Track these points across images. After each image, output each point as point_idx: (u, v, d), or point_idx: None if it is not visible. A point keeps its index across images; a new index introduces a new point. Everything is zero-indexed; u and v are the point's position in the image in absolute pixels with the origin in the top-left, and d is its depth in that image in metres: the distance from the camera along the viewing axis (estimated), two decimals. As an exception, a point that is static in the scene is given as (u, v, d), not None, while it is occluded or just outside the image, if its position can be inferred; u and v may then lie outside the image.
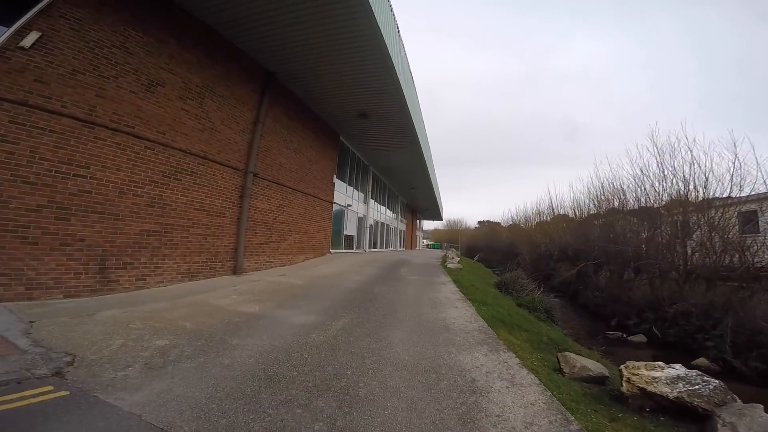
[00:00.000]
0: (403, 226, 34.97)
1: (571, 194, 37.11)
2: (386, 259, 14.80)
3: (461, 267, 12.50)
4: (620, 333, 11.08)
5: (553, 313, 12.40)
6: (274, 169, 10.25)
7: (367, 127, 14.22)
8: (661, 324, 10.23)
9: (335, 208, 15.12)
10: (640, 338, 10.42)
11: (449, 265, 12.54)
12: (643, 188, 11.94)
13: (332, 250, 14.52)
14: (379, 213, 24.40)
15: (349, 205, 16.75)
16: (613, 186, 14.16)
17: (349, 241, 17.22)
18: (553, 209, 22.56)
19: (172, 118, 7.09)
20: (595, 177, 28.62)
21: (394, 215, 29.91)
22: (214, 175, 8.09)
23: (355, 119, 13.25)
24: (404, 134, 14.73)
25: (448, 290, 8.15)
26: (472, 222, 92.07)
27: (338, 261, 12.47)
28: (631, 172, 14.63)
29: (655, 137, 11.44)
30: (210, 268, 7.92)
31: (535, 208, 27.91)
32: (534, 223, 28.22)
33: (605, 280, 14.03)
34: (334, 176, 14.64)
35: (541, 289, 13.58)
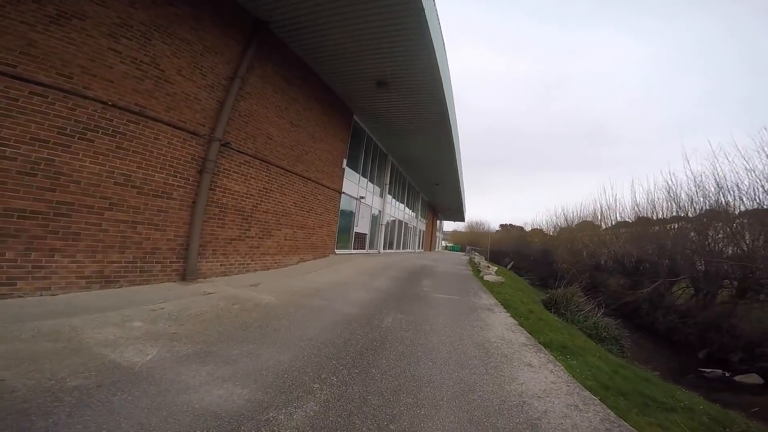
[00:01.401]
0: (422, 226, 31.99)
1: (632, 196, 32.45)
2: (404, 265, 11.98)
3: (502, 280, 9.53)
4: (720, 371, 8.02)
5: (622, 342, 9.43)
6: (258, 142, 7.63)
7: (387, 102, 11.43)
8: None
9: (344, 199, 12.40)
10: (754, 379, 7.54)
11: (486, 277, 9.60)
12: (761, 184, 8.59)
13: (338, 251, 11.81)
14: (397, 210, 21.56)
15: (362, 198, 14.00)
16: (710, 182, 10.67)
17: (360, 240, 14.48)
18: (601, 213, 19.10)
19: (90, 58, 4.77)
20: (670, 175, 24.23)
21: (413, 214, 27.00)
22: (155, 138, 5.56)
23: (373, 90, 10.50)
24: (433, 113, 11.85)
25: (501, 322, 5.25)
26: (494, 225, 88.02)
27: (343, 266, 9.74)
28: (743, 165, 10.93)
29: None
30: (141, 271, 5.35)
31: (577, 212, 24.39)
32: (573, 228, 24.70)
33: (688, 302, 10.76)
34: (345, 161, 11.92)
35: (600, 310, 10.52)
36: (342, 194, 11.94)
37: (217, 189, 6.63)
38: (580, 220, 24.97)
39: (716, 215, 9.64)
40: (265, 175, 7.88)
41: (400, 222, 22.70)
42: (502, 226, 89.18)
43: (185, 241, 6.05)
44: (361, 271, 9.21)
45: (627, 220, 16.35)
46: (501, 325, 5.04)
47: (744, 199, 8.95)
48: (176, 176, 5.88)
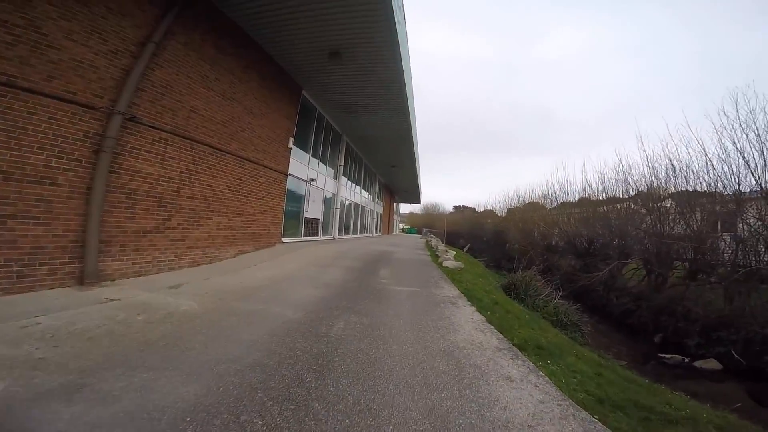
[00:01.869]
0: (380, 209, 31.33)
1: (583, 176, 33.81)
2: (360, 252, 11.17)
3: (461, 266, 9.06)
4: (679, 356, 8.21)
5: (581, 328, 9.44)
6: (179, 116, 6.31)
7: (341, 75, 10.30)
8: (744, 347, 7.37)
9: (292, 182, 11.22)
10: (713, 364, 7.67)
11: (446, 264, 9.07)
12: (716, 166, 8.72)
13: (285, 239, 10.69)
14: (353, 193, 20.59)
15: (312, 180, 12.86)
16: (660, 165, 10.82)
17: (311, 227, 13.40)
18: (553, 193, 19.54)
19: None
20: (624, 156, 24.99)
21: (370, 197, 26.16)
22: (30, 113, 4.28)
23: (325, 62, 9.35)
24: (391, 89, 10.92)
25: (468, 319, 4.63)
26: (449, 207, 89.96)
27: (290, 257, 8.71)
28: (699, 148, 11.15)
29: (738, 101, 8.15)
30: (18, 276, 4.12)
31: (529, 193, 24.94)
32: (525, 208, 25.29)
33: (640, 283, 11.07)
34: (291, 140, 10.69)
35: (558, 294, 10.52)
36: (289, 176, 10.75)
37: (123, 172, 5.32)
38: (531, 201, 25.66)
39: (649, 195, 9.91)
40: (189, 155, 6.58)
41: (357, 205, 21.79)
42: (455, 207, 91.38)
43: (80, 237, 4.76)
44: (311, 261, 8.25)
45: (578, 200, 16.78)
46: (468, 324, 4.41)
47: (699, 181, 9.14)
48: (62, 157, 4.56)
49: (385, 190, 33.97)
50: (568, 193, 17.31)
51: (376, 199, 28.75)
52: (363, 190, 23.31)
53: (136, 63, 5.39)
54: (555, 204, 19.62)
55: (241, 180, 8.15)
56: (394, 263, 9.21)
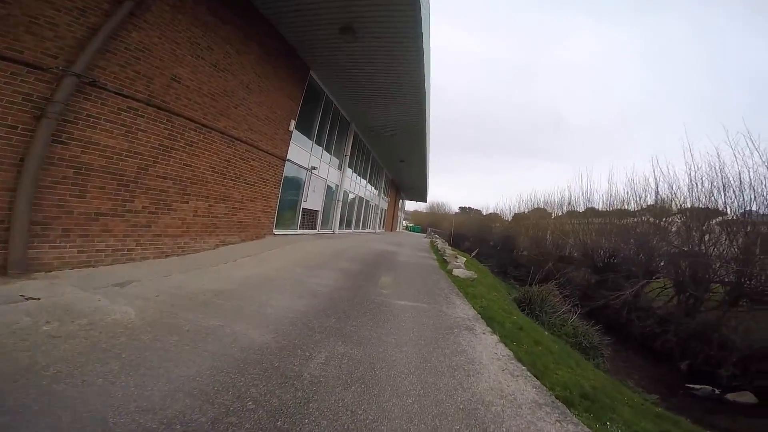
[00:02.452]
0: (385, 204, 30.28)
1: (609, 185, 32.00)
2: (360, 251, 10.13)
3: (474, 275, 7.97)
4: (709, 387, 7.17)
5: (602, 351, 8.41)
6: (155, 84, 5.31)
7: (352, 55, 9.27)
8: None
9: (290, 169, 10.20)
10: (748, 398, 6.73)
11: (455, 272, 7.99)
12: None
13: (278, 231, 9.67)
14: (358, 185, 19.53)
15: (314, 168, 11.81)
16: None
17: (310, 218, 12.38)
18: (571, 202, 18.35)
19: None
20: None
21: (376, 191, 25.09)
22: None
23: (336, 38, 8.35)
24: (408, 73, 9.85)
25: (490, 354, 3.56)
26: (454, 207, 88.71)
27: (279, 252, 7.69)
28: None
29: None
30: None
31: (542, 199, 23.73)
32: (534, 215, 24.07)
33: (667, 304, 9.93)
34: (293, 123, 9.64)
35: (575, 311, 9.46)
36: (287, 162, 9.72)
37: (73, 143, 4.31)
38: (539, 208, 24.47)
39: (693, 212, 8.70)
40: (165, 129, 5.56)
41: (361, 199, 20.74)
42: (461, 208, 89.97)
43: (6, 217, 3.76)
44: (302, 259, 7.22)
45: (600, 209, 15.58)
46: (493, 362, 3.35)
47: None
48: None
49: (391, 186, 32.90)
50: (591, 201, 16.08)
51: (382, 194, 27.69)
52: (368, 184, 22.25)
53: (106, 22, 4.42)
54: (566, 211, 18.41)
55: (228, 162, 7.13)
56: (398, 267, 8.16)
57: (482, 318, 4.78)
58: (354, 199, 19.16)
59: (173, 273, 4.81)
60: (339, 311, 4.22)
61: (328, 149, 13.40)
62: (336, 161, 14.83)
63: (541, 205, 24.67)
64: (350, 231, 18.61)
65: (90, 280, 4.06)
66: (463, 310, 5.11)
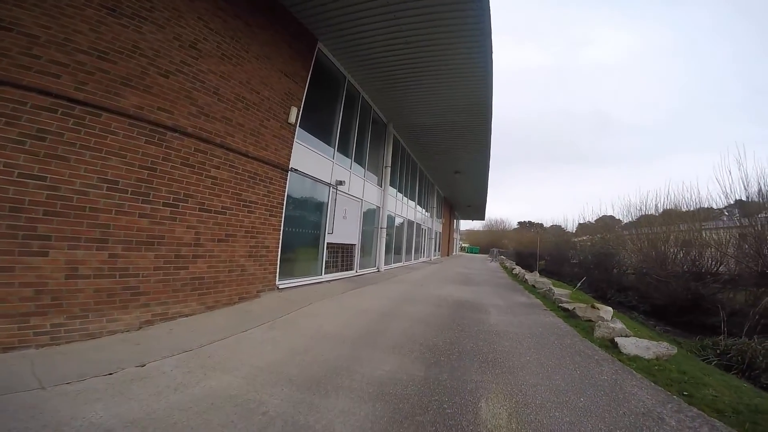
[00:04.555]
0: (439, 227, 26.12)
1: None
2: (418, 308, 6.09)
3: (670, 351, 3.66)
4: None
5: None
6: None
7: (377, 19, 5.95)
8: None
9: (298, 183, 6.78)
10: None
11: (624, 346, 3.73)
12: None
13: (284, 282, 6.12)
14: (405, 206, 15.79)
15: (340, 183, 8.31)
16: None
17: (340, 256, 8.74)
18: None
19: None
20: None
21: (427, 213, 21.14)
22: None
23: None
24: (462, 40, 6.30)
25: None
26: (512, 223, 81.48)
27: (258, 340, 4.00)
28: None
29: None
30: None
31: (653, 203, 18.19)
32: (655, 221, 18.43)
33: None
34: (295, 112, 6.28)
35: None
36: (292, 173, 6.29)
37: None
38: (646, 215, 18.77)
39: None
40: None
41: (411, 223, 16.93)
42: (520, 223, 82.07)
43: None
44: (303, 353, 3.46)
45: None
46: None
47: None
48: None
49: (445, 204, 28.74)
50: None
51: (435, 215, 23.63)
52: (418, 205, 18.42)
53: None
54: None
55: (153, 171, 3.78)
56: (502, 354, 3.95)
57: None
58: (402, 223, 15.41)
59: None
60: None
61: (358, 158, 9.92)
62: (373, 177, 11.30)
63: (651, 211, 18.86)
64: (400, 264, 14.74)
65: None
66: None
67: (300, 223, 6.89)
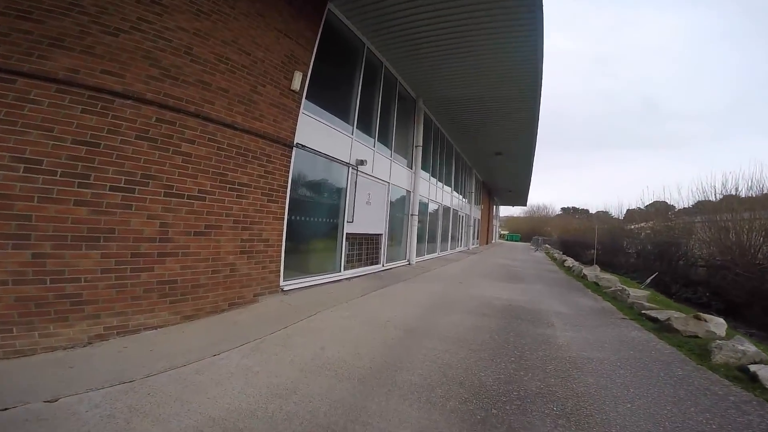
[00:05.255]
0: (477, 213, 24.42)
1: None
2: (453, 321, 4.91)
3: None
4: None
5: None
6: None
7: None
8: None
9: (306, 161, 5.77)
10: None
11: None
12: None
13: (290, 283, 5.19)
14: (441, 190, 14.43)
15: (362, 164, 7.21)
16: None
17: (363, 248, 7.71)
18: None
19: None
20: None
21: (464, 198, 19.60)
22: None
23: None
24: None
25: None
26: (555, 208, 76.62)
27: (232, 374, 3.07)
28: None
29: None
30: None
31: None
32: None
33: None
34: (299, 77, 5.22)
35: None
36: (298, 149, 5.27)
37: None
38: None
39: None
40: None
41: (446, 209, 15.57)
42: (563, 209, 76.61)
43: None
44: (287, 395, 2.50)
45: None
46: None
47: None
48: None
49: (483, 189, 26.86)
50: None
51: (473, 201, 21.98)
52: (453, 188, 16.95)
53: None
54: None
55: (95, 147, 2.89)
56: (585, 387, 2.56)
57: None
58: (436, 209, 14.11)
59: None
60: None
61: (383, 137, 8.75)
62: (402, 159, 10.09)
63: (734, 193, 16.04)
64: (435, 255, 13.50)
65: None
66: None
67: (311, 210, 5.90)
